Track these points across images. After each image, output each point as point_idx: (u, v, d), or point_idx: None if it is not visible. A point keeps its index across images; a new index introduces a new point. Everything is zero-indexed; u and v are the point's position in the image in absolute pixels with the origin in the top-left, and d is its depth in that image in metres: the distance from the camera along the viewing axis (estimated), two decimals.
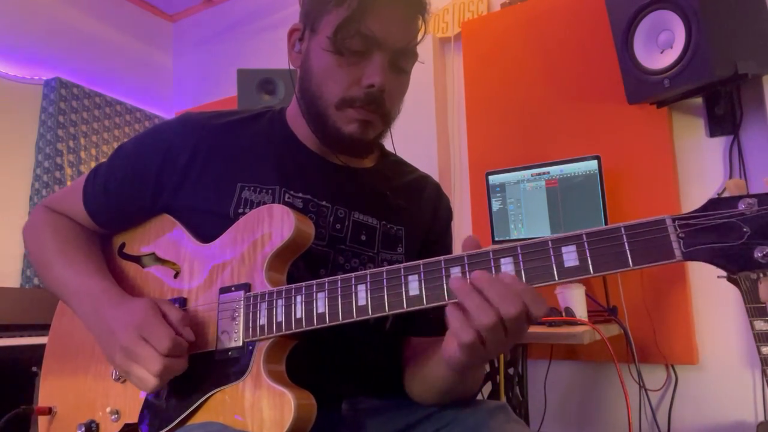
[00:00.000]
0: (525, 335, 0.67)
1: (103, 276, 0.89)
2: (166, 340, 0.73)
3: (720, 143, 2.00)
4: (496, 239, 2.13)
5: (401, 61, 0.87)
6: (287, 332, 0.75)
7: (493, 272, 0.64)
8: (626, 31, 1.91)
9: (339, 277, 0.73)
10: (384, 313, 0.69)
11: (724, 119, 1.95)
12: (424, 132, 2.57)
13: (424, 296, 0.67)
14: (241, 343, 0.78)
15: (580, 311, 1.71)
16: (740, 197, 0.55)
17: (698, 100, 2.02)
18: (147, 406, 0.82)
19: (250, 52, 3.38)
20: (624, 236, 0.59)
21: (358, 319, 0.70)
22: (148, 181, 0.91)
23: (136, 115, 3.42)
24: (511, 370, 1.86)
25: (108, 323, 0.80)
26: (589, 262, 0.60)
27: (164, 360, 0.73)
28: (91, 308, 0.84)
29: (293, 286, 0.76)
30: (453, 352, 0.68)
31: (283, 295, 0.76)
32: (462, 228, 2.47)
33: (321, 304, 0.73)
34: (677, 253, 0.56)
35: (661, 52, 1.85)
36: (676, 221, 0.57)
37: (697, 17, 1.70)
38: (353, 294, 0.71)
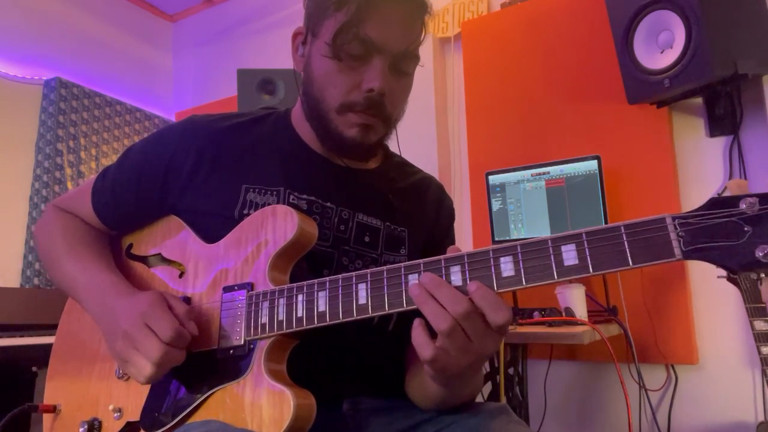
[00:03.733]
0: (497, 344, 0.67)
1: (112, 271, 0.90)
2: (168, 329, 0.74)
3: (720, 143, 2.00)
4: (496, 239, 2.13)
5: (402, 64, 0.87)
6: (288, 331, 0.75)
7: (493, 270, 0.64)
8: (626, 31, 1.91)
9: (340, 276, 0.73)
10: (384, 312, 0.69)
11: (724, 119, 1.95)
12: (424, 132, 2.58)
13: None
14: (242, 342, 0.78)
15: (580, 311, 1.71)
16: (741, 197, 0.55)
17: (698, 100, 2.02)
18: (149, 403, 0.82)
19: (250, 52, 3.38)
20: (624, 235, 0.59)
21: (359, 317, 0.70)
22: (155, 183, 0.92)
23: (136, 115, 3.42)
24: (511, 370, 1.86)
25: (114, 311, 0.81)
26: (589, 261, 0.60)
27: (165, 348, 0.74)
28: (99, 300, 0.85)
29: (295, 285, 0.76)
30: (427, 368, 0.69)
31: (285, 294, 0.76)
32: (462, 228, 2.47)
33: (322, 303, 0.73)
34: (677, 252, 0.56)
35: (661, 52, 1.85)
36: (676, 220, 0.57)
37: (697, 17, 1.70)
38: (354, 293, 0.71)
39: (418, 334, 0.66)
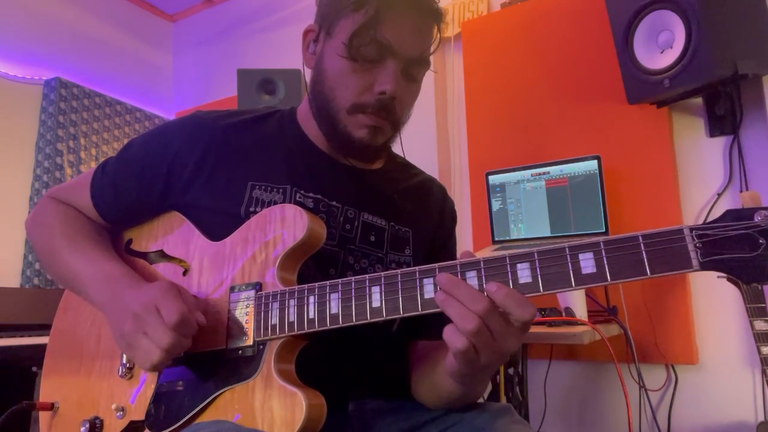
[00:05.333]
0: (519, 341, 0.67)
1: (119, 263, 0.89)
2: (175, 313, 0.73)
3: (720, 143, 2.00)
4: (496, 239, 2.13)
5: (414, 69, 0.88)
6: (299, 332, 0.75)
7: (510, 276, 0.64)
8: (626, 31, 1.91)
9: (353, 278, 0.73)
10: (398, 316, 0.69)
11: (724, 119, 1.95)
12: (424, 132, 2.57)
13: None
14: (251, 342, 0.78)
15: (580, 311, 1.71)
16: (756, 209, 0.56)
17: (698, 100, 2.02)
18: (154, 403, 0.81)
19: (250, 52, 3.38)
20: (642, 245, 0.59)
21: (372, 320, 0.71)
22: (158, 179, 0.91)
23: (136, 115, 3.42)
24: (511, 370, 1.86)
25: (124, 299, 0.80)
26: (607, 270, 0.60)
27: (172, 334, 0.73)
28: (107, 291, 0.84)
29: (306, 286, 0.76)
30: (451, 362, 0.69)
31: (296, 295, 0.76)
32: (462, 228, 2.47)
33: (334, 305, 0.73)
34: (695, 263, 0.57)
35: (661, 52, 1.85)
36: (694, 231, 0.57)
37: (697, 17, 1.70)
38: (367, 296, 0.71)
39: (447, 327, 0.65)
